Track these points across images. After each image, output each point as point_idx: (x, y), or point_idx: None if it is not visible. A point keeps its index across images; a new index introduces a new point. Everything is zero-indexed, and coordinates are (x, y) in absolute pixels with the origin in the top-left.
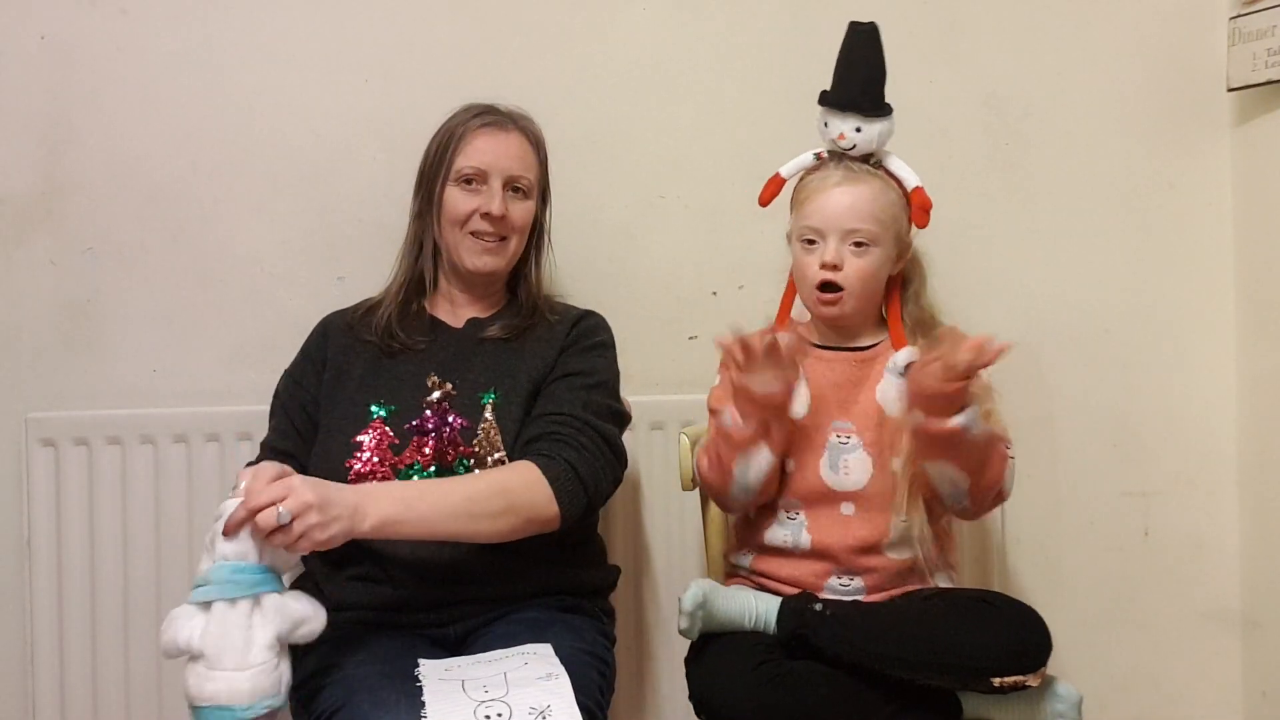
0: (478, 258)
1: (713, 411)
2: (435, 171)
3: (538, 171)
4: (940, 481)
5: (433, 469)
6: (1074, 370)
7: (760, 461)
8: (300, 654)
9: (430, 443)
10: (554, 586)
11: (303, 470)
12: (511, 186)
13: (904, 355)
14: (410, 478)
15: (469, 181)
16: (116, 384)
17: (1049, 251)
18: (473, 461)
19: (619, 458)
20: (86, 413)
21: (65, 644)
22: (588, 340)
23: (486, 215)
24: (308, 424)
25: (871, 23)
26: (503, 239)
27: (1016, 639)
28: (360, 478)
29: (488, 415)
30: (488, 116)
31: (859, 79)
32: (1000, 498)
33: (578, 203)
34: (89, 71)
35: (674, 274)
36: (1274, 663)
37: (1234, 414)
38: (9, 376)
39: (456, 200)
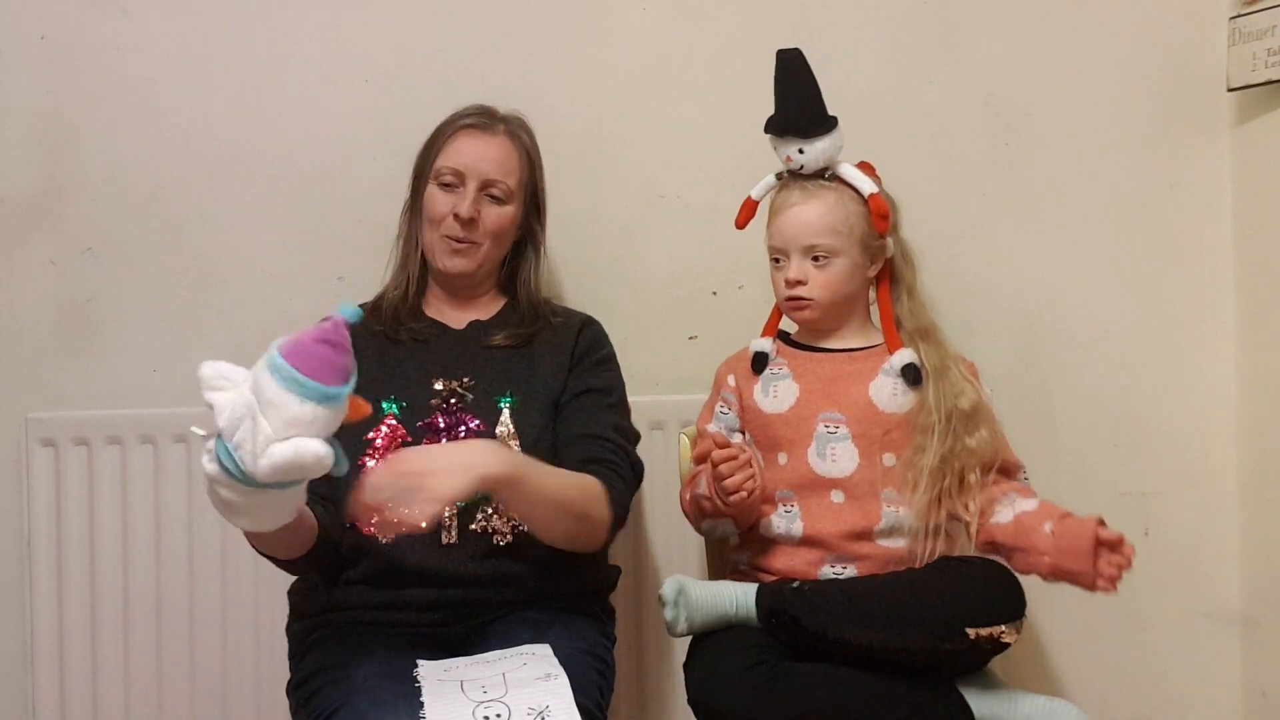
0: (448, 259)
1: (697, 457)
2: (421, 170)
3: (520, 177)
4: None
5: None
6: (1074, 370)
7: (727, 528)
8: (300, 654)
9: (444, 442)
10: (554, 588)
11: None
12: (488, 191)
13: (900, 358)
14: None
15: (447, 181)
16: (116, 384)
17: (1049, 251)
18: None
19: (639, 484)
20: (86, 413)
21: (65, 644)
22: (598, 352)
23: (457, 217)
24: None
25: (796, 49)
26: (473, 243)
27: (989, 590)
28: None
29: (505, 420)
30: (476, 118)
31: (793, 103)
32: None
33: (578, 202)
34: (89, 71)
35: (674, 274)
36: (1274, 663)
37: (1234, 414)
38: (9, 376)
39: (435, 199)
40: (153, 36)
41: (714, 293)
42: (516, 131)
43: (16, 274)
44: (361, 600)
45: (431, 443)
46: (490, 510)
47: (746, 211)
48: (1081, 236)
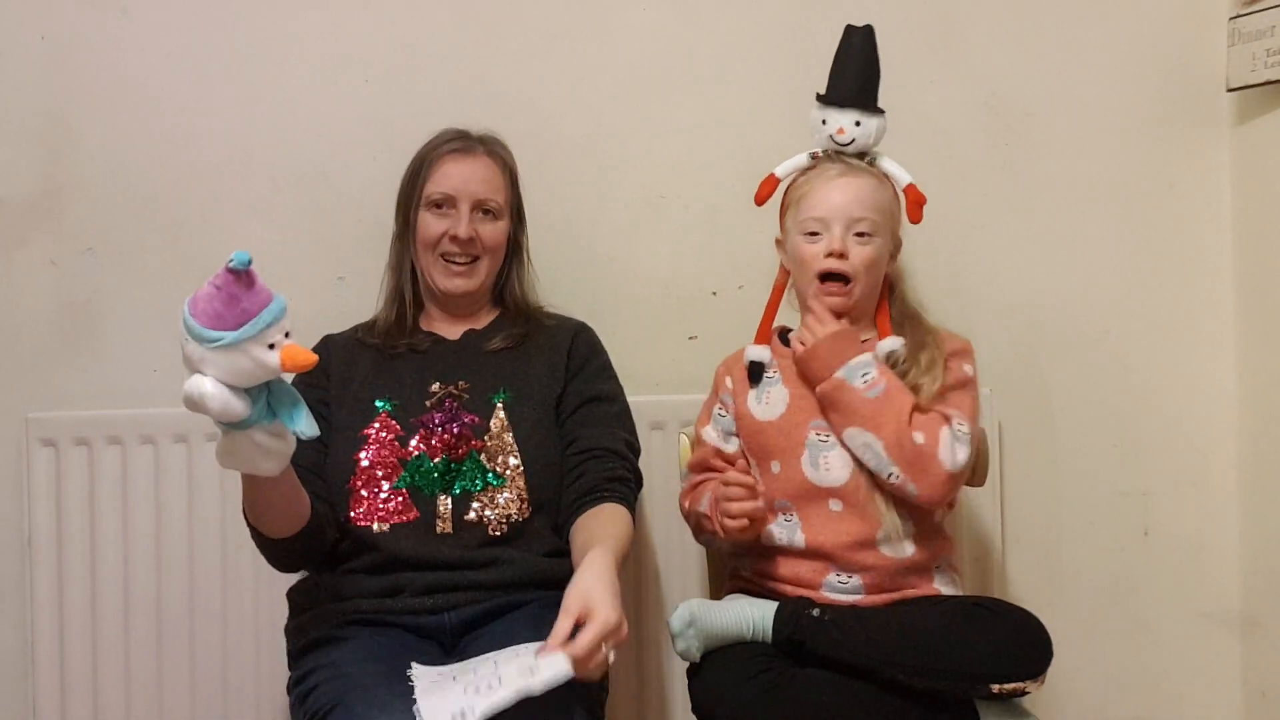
0: (449, 280)
1: (693, 465)
2: (409, 197)
3: (506, 193)
4: (862, 453)
5: (440, 460)
6: (1074, 370)
7: (724, 546)
8: (298, 653)
9: (439, 436)
10: (550, 577)
11: (319, 474)
12: (480, 209)
13: (885, 345)
14: (416, 469)
15: (439, 206)
16: (116, 384)
17: (1049, 252)
18: (484, 455)
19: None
20: (86, 413)
21: (65, 644)
22: (597, 359)
23: (455, 238)
24: (327, 431)
25: (868, 25)
26: (473, 260)
27: (1017, 645)
28: (369, 469)
29: (500, 413)
30: (456, 142)
31: (857, 77)
32: (943, 468)
33: (578, 203)
34: (89, 71)
35: (674, 274)
36: (1274, 663)
37: (1234, 414)
38: (9, 376)
39: (428, 224)
40: (153, 36)
41: (714, 293)
42: (495, 149)
43: (16, 274)
44: (359, 588)
45: (427, 436)
46: (484, 502)
47: (767, 188)
48: (1081, 236)
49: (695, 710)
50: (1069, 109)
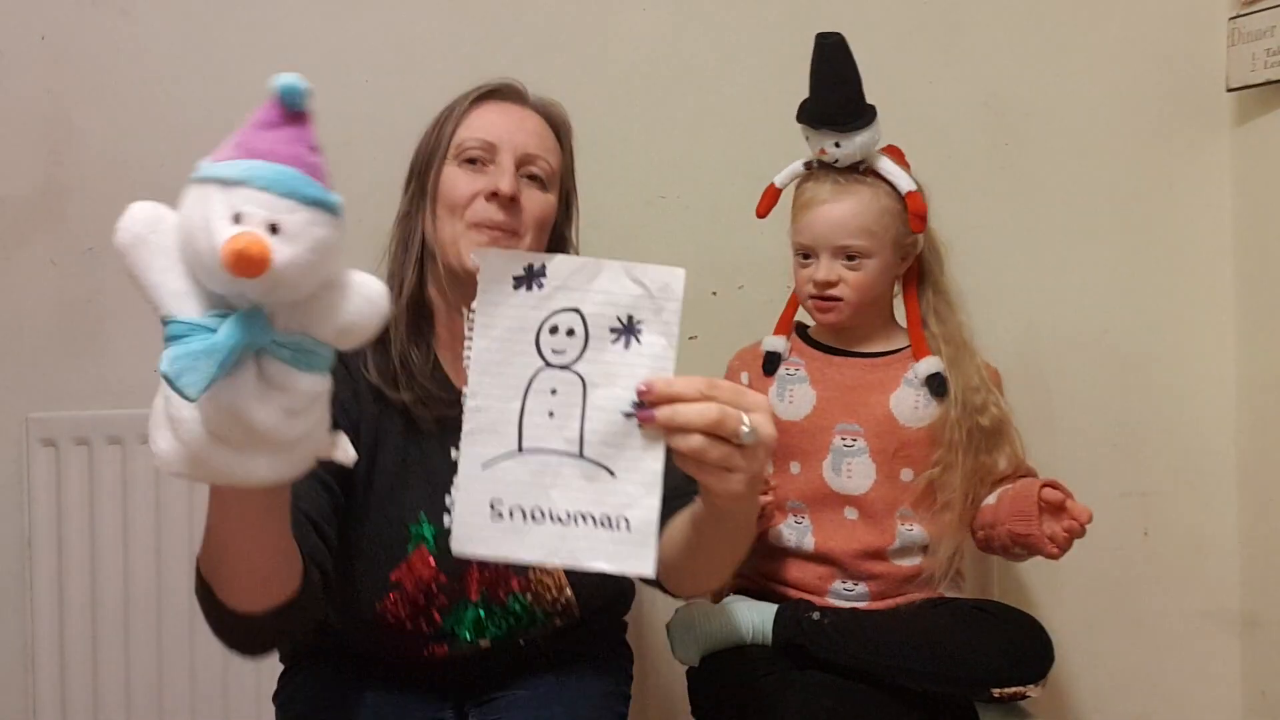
0: None
1: None
2: (431, 154)
3: (560, 160)
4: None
5: (480, 608)
6: (1074, 370)
7: None
8: (293, 659)
9: (476, 576)
10: (574, 649)
11: (319, 527)
12: (526, 170)
13: (925, 366)
14: (458, 622)
15: (473, 160)
16: (116, 384)
17: (1048, 252)
18: (530, 598)
19: None
20: (87, 413)
21: (65, 644)
22: None
23: (494, 196)
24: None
25: (838, 34)
26: (513, 233)
27: (1017, 649)
28: (399, 621)
29: None
30: (501, 87)
31: (832, 94)
32: None
33: (578, 202)
34: (89, 71)
35: None
36: (1274, 663)
37: (1234, 414)
38: (9, 376)
39: (455, 181)
40: (153, 36)
41: (714, 293)
42: (549, 108)
43: (16, 274)
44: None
45: (464, 580)
46: (530, 636)
47: (769, 199)
48: (1081, 236)
49: (695, 714)
50: (1069, 109)
